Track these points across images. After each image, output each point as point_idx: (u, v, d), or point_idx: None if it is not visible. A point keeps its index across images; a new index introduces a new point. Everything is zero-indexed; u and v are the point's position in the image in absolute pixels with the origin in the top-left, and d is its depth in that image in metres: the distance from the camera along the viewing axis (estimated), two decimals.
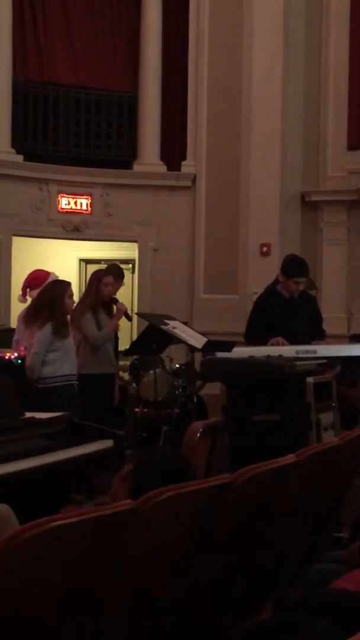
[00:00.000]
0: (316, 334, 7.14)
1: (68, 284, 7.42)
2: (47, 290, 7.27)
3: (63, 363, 7.14)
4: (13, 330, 9.37)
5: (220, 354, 6.28)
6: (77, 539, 2.18)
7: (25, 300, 7.93)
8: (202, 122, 12.06)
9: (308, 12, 12.21)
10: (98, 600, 2.37)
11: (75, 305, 7.64)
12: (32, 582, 2.12)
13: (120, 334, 8.69)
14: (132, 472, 2.93)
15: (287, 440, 4.99)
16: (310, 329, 7.15)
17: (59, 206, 11.96)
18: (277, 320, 6.88)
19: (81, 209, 12.07)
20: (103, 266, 11.61)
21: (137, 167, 12.22)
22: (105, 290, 8.14)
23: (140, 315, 8.57)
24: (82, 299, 8.18)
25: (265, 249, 11.64)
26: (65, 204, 11.99)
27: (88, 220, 12.08)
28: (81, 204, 12.08)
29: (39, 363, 7.03)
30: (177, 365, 10.00)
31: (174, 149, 12.40)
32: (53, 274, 7.84)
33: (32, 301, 7.51)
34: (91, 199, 12.10)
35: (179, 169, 12.27)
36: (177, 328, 7.04)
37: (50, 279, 7.59)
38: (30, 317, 7.25)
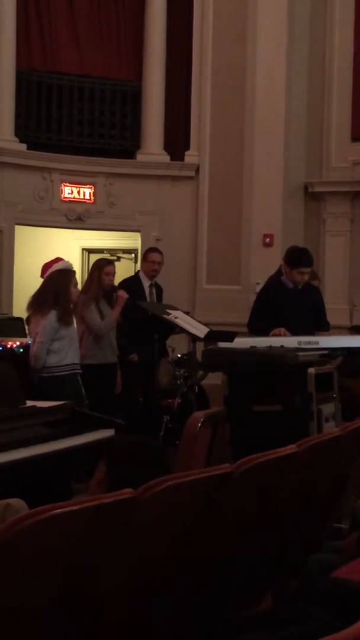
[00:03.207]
0: (320, 325, 7.14)
1: (73, 272, 7.40)
2: (51, 279, 7.23)
3: (68, 352, 7.12)
4: (16, 319, 9.37)
5: (222, 344, 6.28)
6: (77, 528, 2.18)
7: None
8: (206, 113, 12.03)
9: (313, 2, 12.17)
10: (98, 589, 2.37)
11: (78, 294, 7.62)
12: (32, 571, 2.12)
13: None
14: (106, 473, 2.88)
15: (288, 430, 4.98)
16: (314, 320, 7.15)
17: (62, 195, 11.93)
18: (280, 311, 6.88)
19: (84, 198, 12.04)
20: (105, 255, 11.62)
21: (140, 157, 12.19)
22: (106, 279, 8.14)
23: (142, 304, 8.58)
24: (85, 289, 8.17)
25: (268, 239, 11.62)
26: (68, 193, 11.96)
27: (91, 210, 12.05)
28: (84, 193, 12.05)
29: (44, 352, 7.01)
30: (179, 355, 10.00)
31: (177, 139, 12.37)
32: (65, 262, 7.73)
33: (37, 290, 7.40)
34: (94, 188, 12.07)
35: (183, 159, 12.24)
36: (179, 318, 7.04)
37: (61, 266, 7.50)
38: (36, 305, 7.21)
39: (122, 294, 8.15)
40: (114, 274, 8.33)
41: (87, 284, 8.33)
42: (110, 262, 8.54)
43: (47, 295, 7.12)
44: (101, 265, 8.30)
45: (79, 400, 6.57)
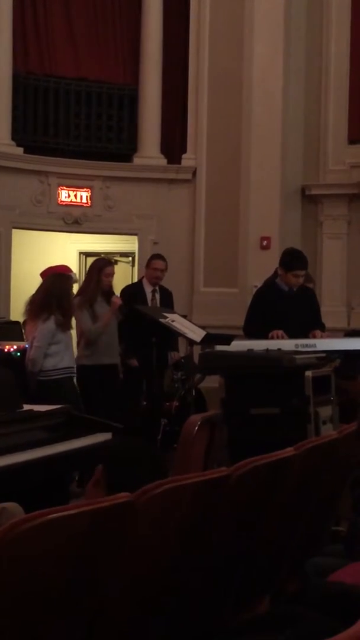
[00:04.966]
0: (316, 328, 7.13)
1: (71, 278, 7.40)
2: (53, 284, 7.19)
3: (64, 355, 7.11)
4: (13, 323, 9.36)
5: (219, 347, 6.28)
6: (75, 532, 2.17)
7: None
8: (203, 115, 12.04)
9: (309, 4, 12.18)
10: (97, 592, 2.37)
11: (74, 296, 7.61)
12: (31, 575, 2.11)
13: None
14: (103, 474, 2.85)
15: (286, 433, 4.99)
16: (310, 322, 7.14)
17: (59, 199, 11.93)
18: (275, 314, 6.88)
19: (81, 202, 12.05)
20: None
21: (137, 160, 12.19)
22: (106, 280, 8.09)
23: (139, 308, 8.56)
24: (82, 290, 8.11)
25: (265, 242, 11.62)
26: (66, 197, 11.96)
27: (88, 213, 12.06)
28: (81, 196, 12.05)
29: (41, 356, 6.98)
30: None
31: (174, 142, 12.37)
32: (72, 272, 7.75)
33: (38, 295, 7.31)
34: (91, 192, 12.07)
35: (179, 162, 12.24)
36: (176, 321, 7.04)
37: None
38: (35, 309, 7.15)
39: (116, 300, 8.09)
40: (113, 274, 8.29)
41: (85, 285, 8.22)
42: (110, 263, 8.49)
43: (48, 299, 7.06)
44: (101, 266, 8.21)
45: (75, 404, 6.55)
